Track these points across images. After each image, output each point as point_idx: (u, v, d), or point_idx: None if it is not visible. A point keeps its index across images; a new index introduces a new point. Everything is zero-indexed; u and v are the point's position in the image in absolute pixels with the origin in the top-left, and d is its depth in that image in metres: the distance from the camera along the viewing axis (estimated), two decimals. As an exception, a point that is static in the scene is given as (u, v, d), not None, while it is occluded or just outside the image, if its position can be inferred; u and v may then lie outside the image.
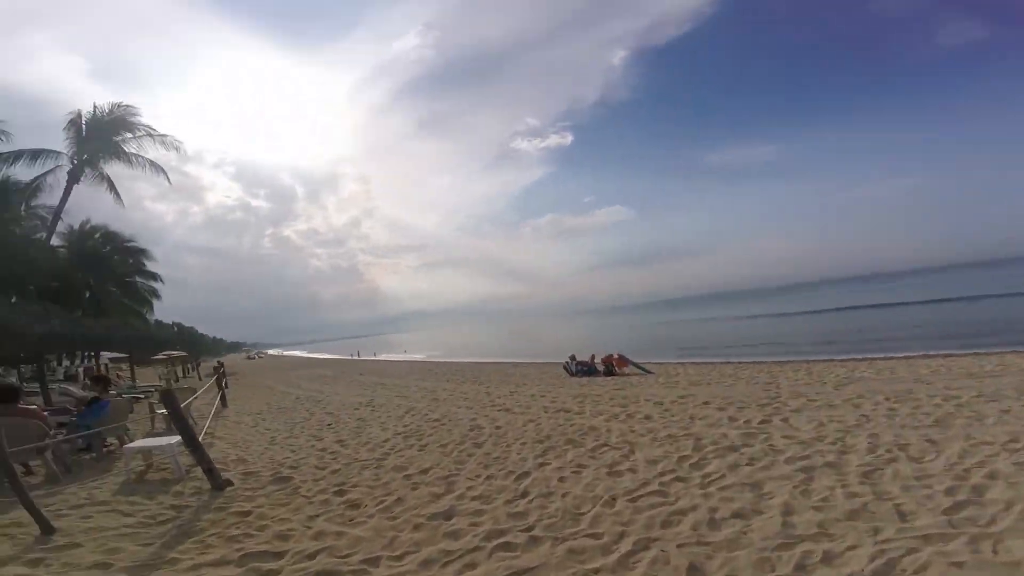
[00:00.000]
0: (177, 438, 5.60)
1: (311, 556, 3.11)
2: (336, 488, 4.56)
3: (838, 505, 3.20)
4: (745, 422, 5.71)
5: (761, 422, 5.65)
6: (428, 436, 6.56)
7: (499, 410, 8.17)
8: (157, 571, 2.98)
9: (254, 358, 71.53)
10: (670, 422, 6.12)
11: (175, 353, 33.65)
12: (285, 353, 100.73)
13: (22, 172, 21.03)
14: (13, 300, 22.12)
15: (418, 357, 34.30)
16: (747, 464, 4.20)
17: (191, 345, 55.02)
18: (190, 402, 9.37)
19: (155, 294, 36.47)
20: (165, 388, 6.08)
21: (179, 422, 5.07)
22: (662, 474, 4.15)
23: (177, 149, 23.53)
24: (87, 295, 27.50)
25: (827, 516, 3.06)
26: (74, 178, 21.16)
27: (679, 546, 2.88)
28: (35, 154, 20.24)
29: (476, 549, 3.04)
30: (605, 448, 5.14)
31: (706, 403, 7.11)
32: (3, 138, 18.94)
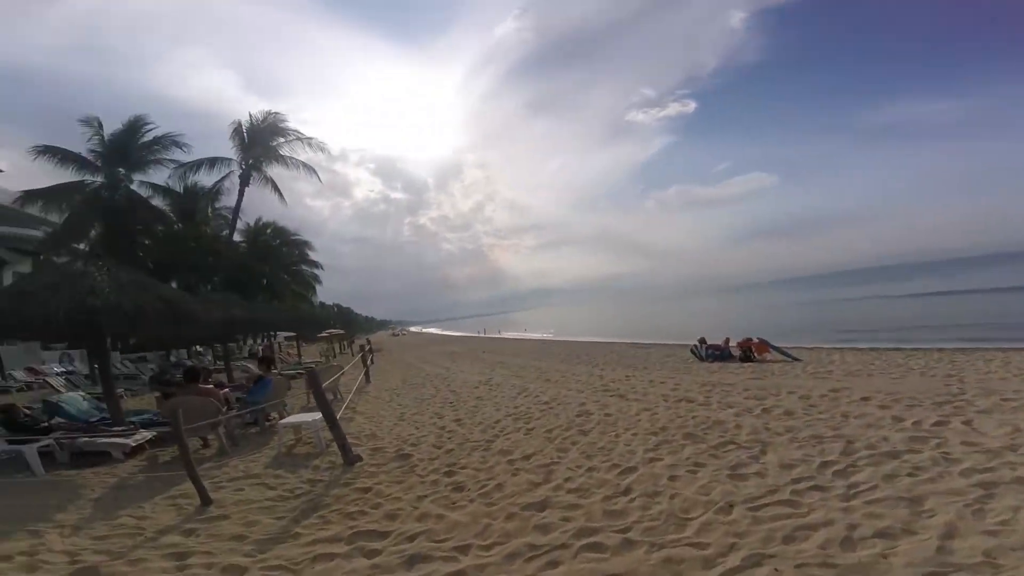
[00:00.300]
0: (318, 415, 6.37)
1: (411, 538, 3.28)
2: (447, 469, 4.79)
3: (1019, 530, 2.55)
4: (914, 423, 4.76)
5: (935, 424, 4.68)
6: (536, 419, 6.60)
7: (612, 395, 7.92)
8: (280, 545, 3.35)
9: (398, 335, 79.23)
10: (816, 420, 5.33)
11: (335, 332, 38.63)
12: (424, 330, 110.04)
13: (204, 178, 25.28)
14: (209, 287, 27.12)
15: (536, 336, 34.89)
16: (908, 475, 3.50)
17: (347, 324, 62.85)
18: (337, 379, 10.62)
19: (317, 280, 42.08)
20: (309, 368, 6.92)
21: (320, 400, 5.67)
22: (796, 481, 3.62)
23: (322, 150, 26.46)
24: (264, 282, 32.68)
25: (1000, 543, 2.46)
26: (244, 181, 24.86)
27: (798, 566, 2.50)
28: (212, 162, 24.20)
29: (563, 547, 2.94)
30: (730, 446, 4.64)
31: (865, 399, 6.07)
32: (185, 149, 22.95)
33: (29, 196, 21.36)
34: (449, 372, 14.35)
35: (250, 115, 24.81)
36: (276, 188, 26.10)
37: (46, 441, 5.73)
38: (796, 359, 11.18)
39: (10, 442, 5.56)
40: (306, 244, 38.75)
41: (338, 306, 77.81)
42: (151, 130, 22.06)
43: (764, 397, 6.82)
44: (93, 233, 22.12)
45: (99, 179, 21.37)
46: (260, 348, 27.73)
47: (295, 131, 25.81)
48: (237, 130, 25.21)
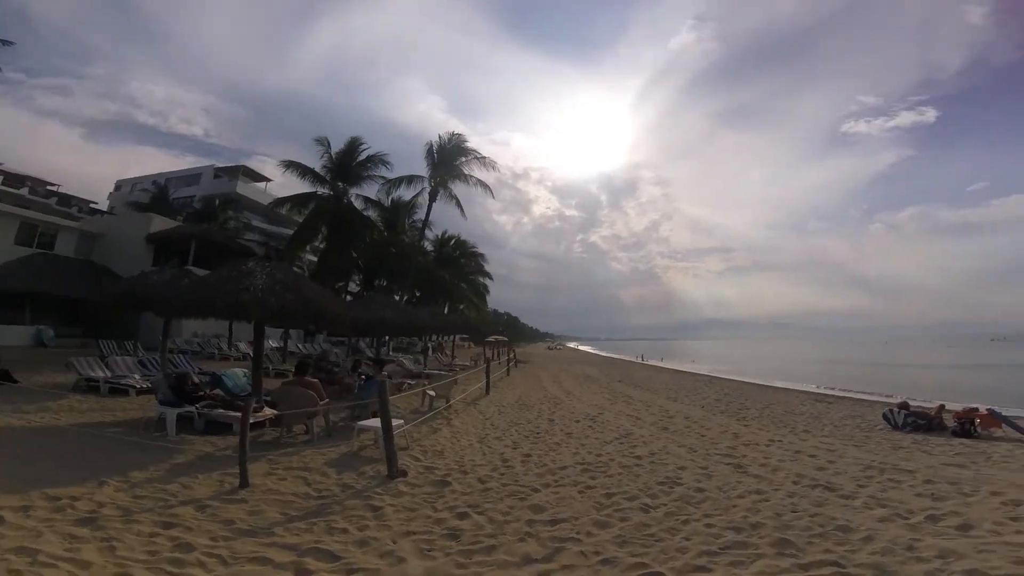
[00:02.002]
0: (397, 422, 6.52)
1: (349, 572, 3.12)
2: (465, 509, 4.40)
3: None
4: None
5: None
6: (607, 475, 5.66)
7: (727, 463, 6.36)
8: (248, 538, 3.50)
9: (553, 349, 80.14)
10: (1002, 545, 3.56)
11: (499, 338, 40.90)
12: (580, 347, 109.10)
13: (404, 193, 28.84)
14: (402, 292, 30.86)
15: (700, 370, 31.21)
16: None
17: (512, 333, 66.15)
18: (449, 385, 10.95)
19: (486, 289, 45.16)
20: (383, 377, 7.19)
21: (383, 411, 5.74)
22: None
23: (494, 168, 28.14)
24: (445, 288, 36.20)
25: None
26: (433, 197, 27.74)
27: None
28: (410, 179, 27.54)
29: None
30: (829, 570, 3.24)
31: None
32: (389, 167, 26.50)
33: (278, 202, 27.23)
34: (568, 398, 13.63)
35: (439, 136, 27.68)
36: (459, 204, 28.62)
37: (189, 408, 6.99)
38: None
39: (161, 403, 6.93)
40: (481, 256, 41.93)
41: (508, 314, 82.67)
42: (365, 150, 26.25)
43: (945, 497, 4.85)
44: (321, 236, 27.20)
45: (327, 191, 26.17)
46: (431, 345, 30.74)
47: (474, 151, 28.00)
48: (429, 151, 28.28)
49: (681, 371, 30.91)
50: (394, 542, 3.58)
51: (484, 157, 27.88)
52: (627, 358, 50.66)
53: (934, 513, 4.31)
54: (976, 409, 9.29)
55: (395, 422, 6.46)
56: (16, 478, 4.41)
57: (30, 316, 19.46)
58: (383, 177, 27.04)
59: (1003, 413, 9.17)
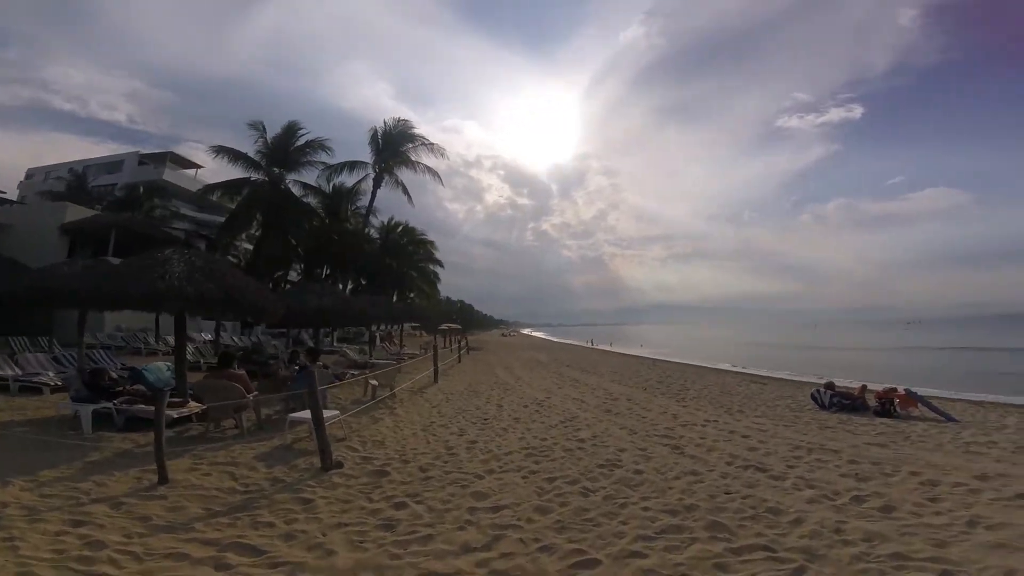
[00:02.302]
0: (332, 413, 6.26)
1: (275, 566, 3.00)
2: (404, 498, 4.28)
3: None
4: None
5: None
6: (550, 460, 5.67)
7: (665, 445, 6.51)
8: (167, 534, 3.35)
9: (507, 335, 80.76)
10: (922, 527, 3.64)
11: (453, 326, 40.49)
12: (533, 333, 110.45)
13: (346, 179, 27.77)
14: (348, 280, 29.71)
15: (644, 354, 32.37)
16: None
17: (466, 320, 65.93)
18: (393, 372, 10.69)
19: (437, 277, 44.53)
20: (318, 367, 6.90)
21: (312, 401, 5.44)
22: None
23: (443, 155, 27.64)
24: (393, 276, 35.28)
25: None
26: (377, 183, 26.86)
27: None
28: (352, 165, 26.57)
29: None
30: (760, 554, 3.26)
31: (1024, 496, 4.13)
32: (330, 153, 25.41)
33: (208, 188, 25.56)
34: (517, 384, 13.69)
35: (384, 122, 26.76)
36: (405, 190, 27.89)
37: (107, 404, 6.43)
38: (951, 419, 8.69)
39: (74, 400, 6.34)
40: (431, 244, 41.24)
41: (462, 302, 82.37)
42: (304, 135, 24.98)
43: (869, 477, 5.04)
44: (257, 224, 25.70)
45: (261, 176, 24.76)
46: (380, 334, 29.96)
47: (422, 137, 27.33)
48: (374, 136, 27.30)
49: (627, 355, 31.84)
50: (324, 535, 3.45)
51: (432, 144, 27.33)
52: (577, 343, 51.71)
53: (858, 494, 4.39)
54: (895, 389, 9.75)
55: (331, 412, 6.24)
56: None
57: (-72, 315, 17.26)
58: (323, 163, 25.95)
59: (919, 393, 9.80)
